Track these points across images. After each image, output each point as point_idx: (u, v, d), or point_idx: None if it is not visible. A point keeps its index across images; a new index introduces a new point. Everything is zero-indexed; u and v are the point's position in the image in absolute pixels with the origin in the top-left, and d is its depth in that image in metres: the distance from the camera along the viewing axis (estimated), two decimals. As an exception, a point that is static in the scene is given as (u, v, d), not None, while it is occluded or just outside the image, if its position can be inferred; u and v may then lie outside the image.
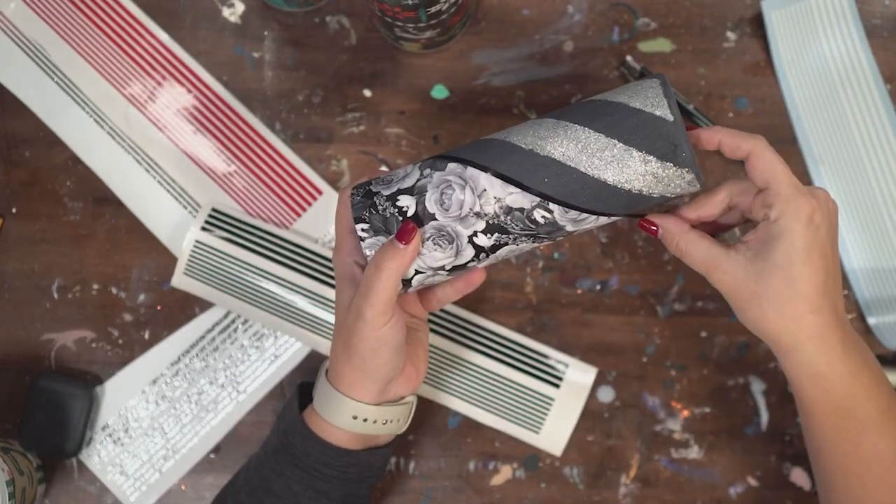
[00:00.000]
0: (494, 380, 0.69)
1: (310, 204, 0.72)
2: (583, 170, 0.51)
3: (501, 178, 0.52)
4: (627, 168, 0.51)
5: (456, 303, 0.69)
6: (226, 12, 0.74)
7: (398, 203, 0.53)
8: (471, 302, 0.69)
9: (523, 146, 0.52)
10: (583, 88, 0.72)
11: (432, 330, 0.69)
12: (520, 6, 0.73)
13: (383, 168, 0.72)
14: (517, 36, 0.73)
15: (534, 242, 0.54)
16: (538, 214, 0.52)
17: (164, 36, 0.73)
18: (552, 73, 0.73)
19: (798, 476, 0.69)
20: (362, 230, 0.53)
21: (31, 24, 0.73)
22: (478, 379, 0.69)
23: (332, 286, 0.69)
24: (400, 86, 0.73)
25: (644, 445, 0.69)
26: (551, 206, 0.52)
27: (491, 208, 0.52)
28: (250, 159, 0.72)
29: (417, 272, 0.54)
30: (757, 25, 0.73)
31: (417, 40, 0.70)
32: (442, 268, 0.54)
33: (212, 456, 0.70)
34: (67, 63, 0.73)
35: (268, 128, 0.73)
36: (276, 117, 0.73)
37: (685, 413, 0.70)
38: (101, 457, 0.70)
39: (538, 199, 0.52)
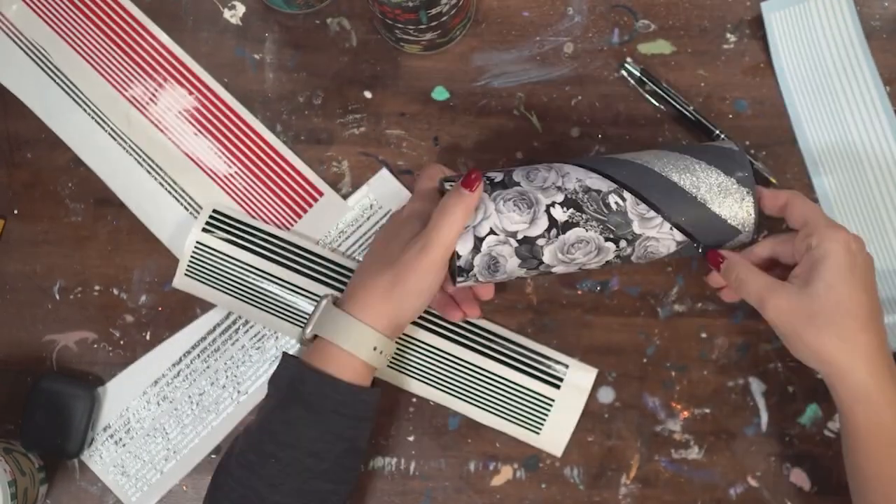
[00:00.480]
0: (495, 380, 0.69)
1: (310, 205, 0.72)
2: (657, 170, 0.60)
3: (584, 168, 0.61)
4: (695, 174, 0.60)
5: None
6: (227, 14, 0.74)
7: (489, 175, 0.61)
8: (471, 303, 0.70)
9: (607, 157, 0.62)
10: (583, 90, 0.73)
11: (433, 331, 0.69)
12: (520, 8, 0.74)
13: (384, 168, 0.72)
14: (517, 38, 0.73)
15: (601, 235, 0.59)
16: (612, 199, 0.59)
17: (165, 38, 0.74)
18: (552, 75, 0.73)
19: (798, 476, 0.69)
20: (448, 186, 0.61)
21: (33, 26, 0.74)
22: (478, 380, 0.69)
23: (334, 287, 0.69)
24: (400, 87, 0.73)
25: (644, 446, 0.69)
26: (625, 194, 0.59)
27: (571, 185, 0.60)
28: (251, 161, 0.73)
29: (492, 232, 0.59)
30: (756, 27, 0.73)
31: (418, 42, 0.71)
32: (514, 234, 0.59)
33: (213, 457, 0.70)
34: (69, 65, 0.73)
35: (269, 129, 0.73)
36: (277, 119, 0.73)
37: (685, 414, 0.70)
38: (102, 457, 0.70)
39: (615, 186, 0.60)
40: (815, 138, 0.71)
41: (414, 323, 0.69)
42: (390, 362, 0.68)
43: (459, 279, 0.60)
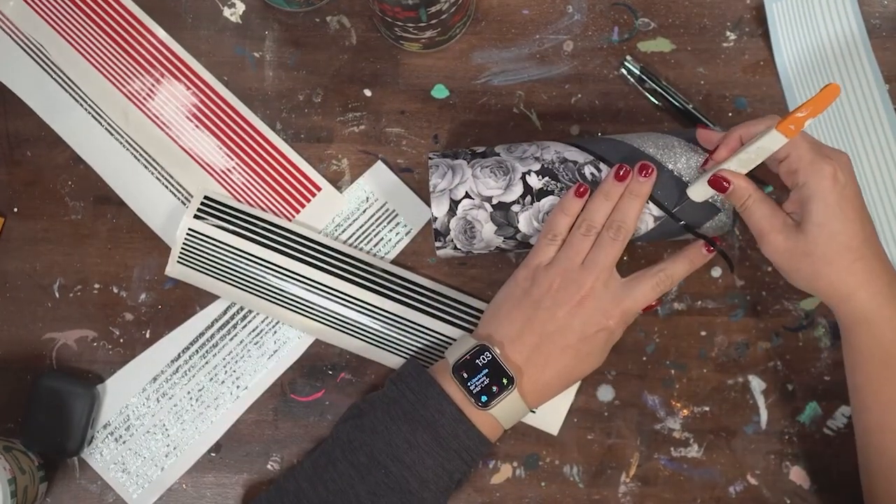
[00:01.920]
0: None
1: (308, 200, 0.72)
2: (635, 145, 0.62)
3: (564, 143, 0.63)
4: (673, 150, 0.62)
5: (462, 291, 0.69)
6: (227, 12, 0.74)
7: (472, 148, 0.65)
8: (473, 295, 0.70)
9: (590, 137, 0.65)
10: (583, 88, 0.73)
11: (432, 315, 0.69)
12: (520, 6, 0.74)
13: (383, 165, 0.72)
14: (517, 36, 0.73)
15: None
16: (587, 170, 0.62)
17: (163, 34, 0.74)
18: (552, 73, 0.73)
19: (797, 474, 0.69)
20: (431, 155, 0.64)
21: (31, 23, 0.74)
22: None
23: (326, 271, 0.69)
24: (400, 85, 0.73)
25: (644, 444, 0.69)
26: (601, 165, 0.62)
27: (549, 156, 0.63)
28: (249, 156, 0.73)
29: (467, 195, 0.62)
30: (756, 25, 0.73)
31: (418, 40, 0.71)
32: (489, 199, 0.62)
33: (213, 454, 0.70)
34: (67, 61, 0.74)
35: (268, 127, 0.73)
36: (276, 117, 0.73)
37: (685, 412, 0.70)
38: (102, 455, 0.70)
39: (591, 157, 0.62)
40: (815, 132, 0.71)
41: (423, 312, 0.70)
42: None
43: (437, 244, 0.63)
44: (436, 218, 0.62)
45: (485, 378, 0.58)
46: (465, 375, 0.59)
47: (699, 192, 0.60)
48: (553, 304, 0.59)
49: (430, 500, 0.59)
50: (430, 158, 0.64)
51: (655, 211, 0.62)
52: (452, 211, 0.62)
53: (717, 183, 0.59)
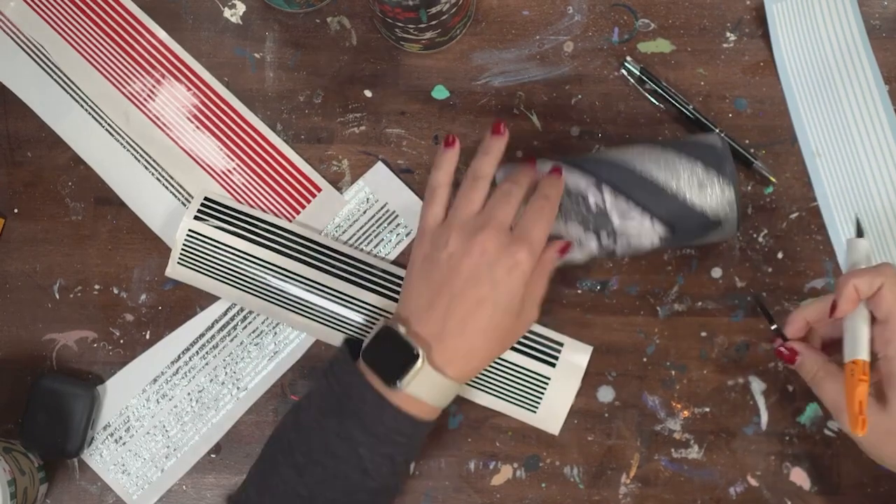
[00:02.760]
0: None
1: (308, 201, 0.72)
2: (637, 165, 0.61)
3: (567, 165, 0.62)
4: (674, 168, 0.61)
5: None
6: (227, 13, 0.74)
7: None
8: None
9: (588, 156, 0.64)
10: (583, 89, 0.73)
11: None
12: (520, 7, 0.74)
13: (383, 165, 0.72)
14: (517, 37, 0.73)
15: (581, 228, 0.62)
16: (591, 194, 0.61)
17: (163, 35, 0.74)
18: (552, 74, 0.73)
19: (798, 475, 0.69)
20: None
21: (32, 24, 0.74)
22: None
23: (326, 272, 0.70)
24: (400, 86, 0.73)
25: (644, 445, 0.69)
26: (604, 188, 0.61)
27: None
28: (250, 157, 0.73)
29: None
30: (756, 26, 0.73)
31: (418, 41, 0.71)
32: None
33: (213, 455, 0.70)
34: (67, 62, 0.74)
35: (269, 128, 0.73)
36: (277, 118, 0.73)
37: (685, 413, 0.70)
38: (102, 456, 0.70)
39: (594, 180, 0.61)
40: (814, 130, 0.71)
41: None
42: None
43: None
44: None
45: (396, 357, 0.56)
46: (376, 359, 0.56)
47: None
48: (454, 259, 0.56)
49: (379, 488, 0.57)
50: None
51: (661, 230, 0.62)
52: None
53: (784, 355, 0.58)
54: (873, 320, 0.55)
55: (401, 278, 0.70)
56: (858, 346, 0.54)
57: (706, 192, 0.60)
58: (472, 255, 0.56)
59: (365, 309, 0.69)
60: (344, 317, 0.69)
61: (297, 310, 0.70)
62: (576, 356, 0.69)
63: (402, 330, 0.57)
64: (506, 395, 0.69)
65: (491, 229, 0.57)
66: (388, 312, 0.69)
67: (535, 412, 0.69)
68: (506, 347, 0.60)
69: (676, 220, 0.61)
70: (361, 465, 0.56)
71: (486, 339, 0.57)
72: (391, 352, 0.56)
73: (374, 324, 0.69)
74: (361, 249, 0.71)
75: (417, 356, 0.55)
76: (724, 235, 0.63)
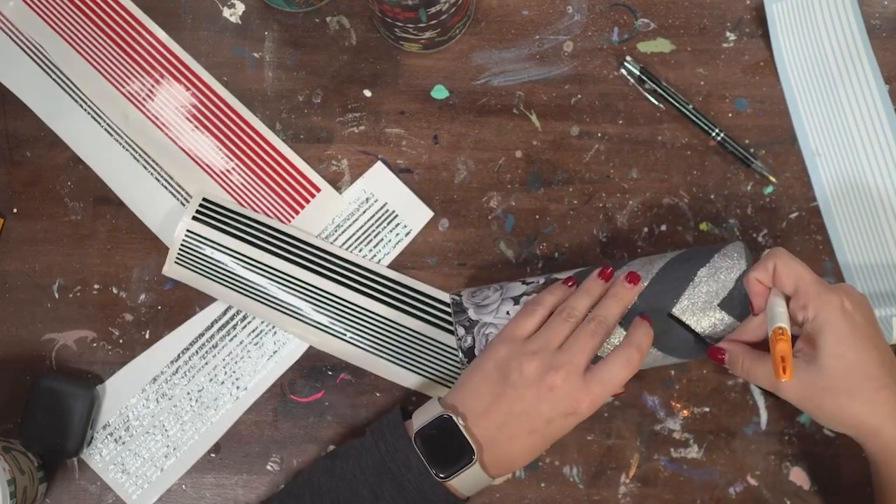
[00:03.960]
0: None
1: (308, 201, 0.72)
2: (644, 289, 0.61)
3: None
4: (679, 287, 0.60)
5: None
6: (226, 13, 0.74)
7: (509, 314, 0.64)
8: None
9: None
10: (582, 89, 0.73)
11: (422, 319, 0.70)
12: (519, 6, 0.74)
13: (383, 165, 0.72)
14: (517, 36, 0.73)
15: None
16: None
17: (162, 35, 0.74)
18: (552, 74, 0.73)
19: (797, 475, 0.69)
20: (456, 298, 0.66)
21: (31, 24, 0.74)
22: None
23: (323, 276, 0.70)
24: (400, 86, 0.73)
25: (644, 445, 0.69)
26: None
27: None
28: (249, 157, 0.73)
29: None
30: (756, 26, 0.73)
31: (417, 40, 0.71)
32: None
33: (212, 455, 0.70)
34: (67, 62, 0.73)
35: (268, 128, 0.73)
36: (276, 117, 0.73)
37: (685, 413, 0.70)
38: (102, 455, 0.70)
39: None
40: (814, 130, 0.71)
41: (420, 319, 0.70)
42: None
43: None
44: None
45: (450, 449, 0.57)
46: (428, 443, 0.57)
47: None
48: (523, 385, 0.57)
49: None
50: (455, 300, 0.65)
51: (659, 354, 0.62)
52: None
53: (714, 356, 0.60)
54: (788, 301, 0.58)
55: (397, 283, 0.70)
56: (776, 318, 0.56)
57: (703, 315, 0.60)
58: (541, 389, 0.57)
59: (361, 315, 0.69)
60: (339, 323, 0.69)
61: (292, 314, 0.70)
62: None
63: (462, 424, 0.57)
64: None
65: (567, 372, 0.57)
66: (384, 317, 0.69)
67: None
68: (535, 456, 0.60)
69: (671, 339, 0.61)
70: None
71: (525, 455, 0.59)
72: (446, 441, 0.57)
73: (373, 328, 0.70)
74: (360, 250, 0.71)
75: (473, 457, 0.57)
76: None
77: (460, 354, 0.64)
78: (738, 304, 0.60)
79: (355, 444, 0.60)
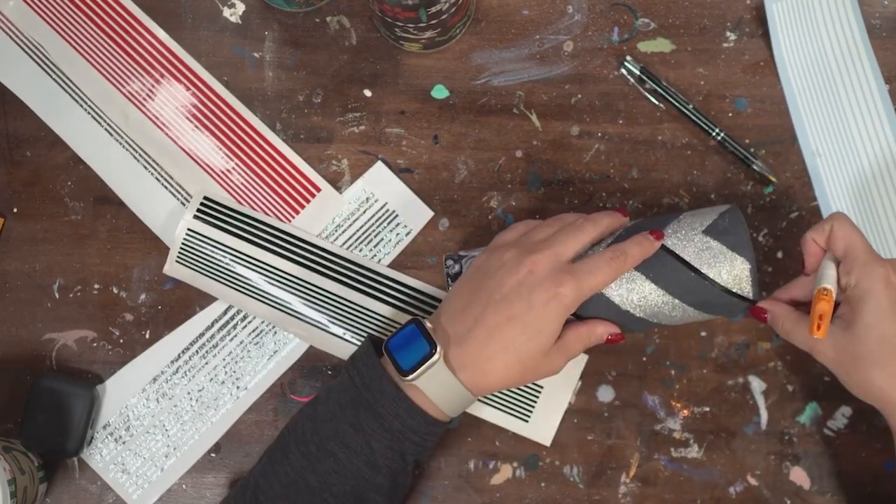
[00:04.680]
0: None
1: (308, 201, 0.72)
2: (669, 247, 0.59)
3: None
4: (692, 243, 0.59)
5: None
6: (226, 12, 0.74)
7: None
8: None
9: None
10: (583, 88, 0.73)
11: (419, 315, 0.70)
12: (520, 6, 0.74)
13: (383, 165, 0.72)
14: (517, 36, 0.73)
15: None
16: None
17: (162, 34, 0.74)
18: (552, 73, 0.73)
19: (797, 475, 0.69)
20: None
21: (31, 23, 0.74)
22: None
23: (323, 275, 0.70)
24: (400, 86, 0.73)
25: (644, 445, 0.69)
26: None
27: None
28: (249, 157, 0.73)
29: None
30: (756, 25, 0.73)
31: (418, 40, 0.71)
32: None
33: (213, 455, 0.70)
34: (67, 62, 0.73)
35: (268, 127, 0.73)
36: (276, 117, 0.73)
37: (685, 412, 0.70)
38: (102, 455, 0.70)
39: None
40: (815, 130, 0.71)
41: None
42: None
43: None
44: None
45: (416, 351, 0.56)
46: (397, 350, 0.56)
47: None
48: (503, 273, 0.56)
49: (385, 485, 0.58)
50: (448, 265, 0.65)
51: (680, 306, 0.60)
52: None
53: (758, 315, 0.60)
54: (839, 265, 0.58)
55: (396, 282, 0.70)
56: (823, 279, 0.57)
57: (723, 266, 0.58)
58: (519, 273, 0.56)
59: (361, 314, 0.69)
60: (339, 322, 0.69)
61: (292, 314, 0.70)
62: (569, 366, 0.69)
63: (427, 325, 0.57)
64: (498, 404, 0.69)
65: (547, 253, 0.56)
66: (383, 316, 0.69)
67: (527, 422, 0.69)
68: (524, 379, 0.58)
69: (695, 298, 0.60)
70: (372, 460, 0.56)
71: (506, 357, 0.56)
72: (413, 345, 0.56)
73: (370, 329, 0.70)
74: (361, 250, 0.71)
75: (435, 350, 0.55)
76: (743, 306, 0.61)
77: (448, 282, 0.63)
78: (723, 231, 0.58)
79: (333, 385, 0.60)
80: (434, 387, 0.56)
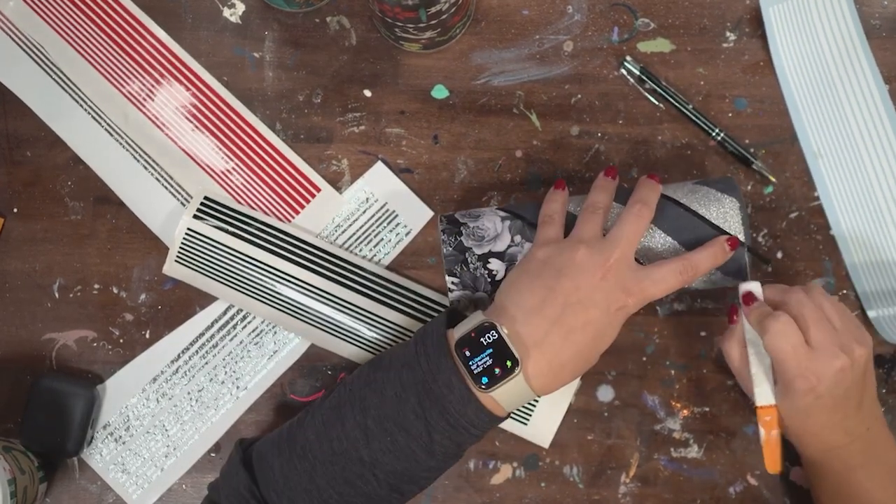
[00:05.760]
0: None
1: (308, 201, 0.72)
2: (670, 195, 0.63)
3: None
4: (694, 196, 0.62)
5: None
6: (226, 13, 0.74)
7: (489, 266, 0.63)
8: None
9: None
10: (582, 89, 0.73)
11: (421, 321, 0.69)
12: (520, 6, 0.74)
13: (383, 165, 0.72)
14: (517, 36, 0.73)
15: None
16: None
17: (163, 35, 0.74)
18: (552, 73, 0.73)
19: (797, 475, 0.69)
20: (452, 283, 0.63)
21: (31, 23, 0.74)
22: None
23: (322, 275, 0.70)
24: (400, 86, 0.73)
25: (644, 444, 0.69)
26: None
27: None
28: (249, 157, 0.73)
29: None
30: (756, 26, 0.73)
31: (417, 40, 0.71)
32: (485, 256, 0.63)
33: (213, 455, 0.70)
34: (67, 62, 0.73)
35: (268, 128, 0.73)
36: (276, 117, 0.73)
37: (685, 412, 0.70)
38: (102, 455, 0.70)
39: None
40: (815, 131, 0.71)
41: (423, 320, 0.70)
42: None
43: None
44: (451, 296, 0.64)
45: (488, 358, 0.55)
46: (468, 354, 0.55)
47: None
48: (578, 272, 0.56)
49: (435, 467, 0.57)
50: (448, 274, 0.64)
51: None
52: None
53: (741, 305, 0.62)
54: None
55: (396, 284, 0.70)
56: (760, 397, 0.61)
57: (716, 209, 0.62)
58: (595, 276, 0.56)
59: (360, 314, 0.69)
60: (338, 321, 0.69)
61: (292, 313, 0.70)
62: None
63: (505, 332, 0.55)
64: None
65: (618, 256, 0.57)
66: (381, 317, 0.69)
67: (525, 424, 0.69)
68: (576, 377, 0.58)
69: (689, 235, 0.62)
70: (430, 448, 0.56)
71: (576, 361, 0.56)
72: (488, 352, 0.55)
73: (369, 326, 0.70)
74: (360, 250, 0.71)
75: (516, 367, 0.55)
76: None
77: (441, 238, 0.64)
78: (714, 181, 0.63)
79: (399, 352, 0.58)
80: (507, 396, 0.56)
